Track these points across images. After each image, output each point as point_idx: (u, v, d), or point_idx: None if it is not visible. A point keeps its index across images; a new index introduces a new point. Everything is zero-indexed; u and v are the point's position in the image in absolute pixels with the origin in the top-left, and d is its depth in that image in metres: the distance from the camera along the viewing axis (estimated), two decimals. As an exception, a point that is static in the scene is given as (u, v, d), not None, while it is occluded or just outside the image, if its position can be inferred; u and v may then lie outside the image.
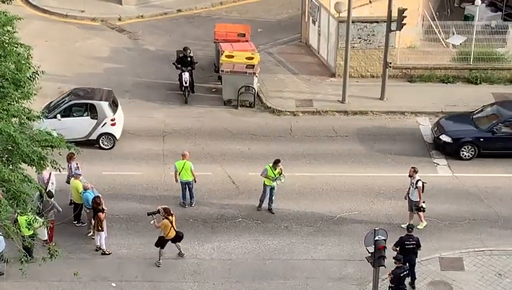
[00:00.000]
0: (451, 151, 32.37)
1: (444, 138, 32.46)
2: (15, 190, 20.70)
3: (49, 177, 27.69)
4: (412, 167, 28.38)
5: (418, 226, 27.99)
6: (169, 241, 26.90)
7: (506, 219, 29.22)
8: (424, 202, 28.13)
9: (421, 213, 28.31)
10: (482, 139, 32.15)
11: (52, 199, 26.98)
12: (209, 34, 39.36)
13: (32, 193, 21.96)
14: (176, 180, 29.23)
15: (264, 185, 29.06)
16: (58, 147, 22.02)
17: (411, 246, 25.53)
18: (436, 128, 33.15)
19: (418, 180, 27.96)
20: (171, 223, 26.56)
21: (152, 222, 26.76)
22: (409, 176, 28.23)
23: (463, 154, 32.22)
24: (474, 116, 33.20)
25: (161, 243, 26.87)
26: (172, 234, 26.73)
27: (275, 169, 28.82)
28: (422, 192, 28.03)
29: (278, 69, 38.63)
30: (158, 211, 26.67)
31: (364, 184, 30.83)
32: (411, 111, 35.38)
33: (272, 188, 29.08)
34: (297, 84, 37.42)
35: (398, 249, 25.25)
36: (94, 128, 32.34)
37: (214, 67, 37.93)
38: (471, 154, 32.28)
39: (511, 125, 32.33)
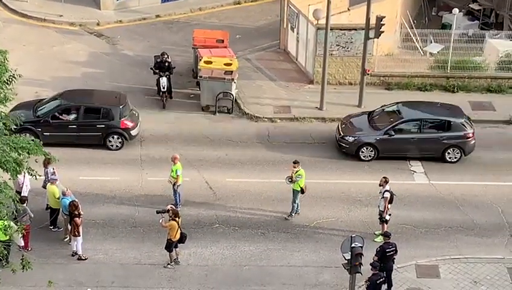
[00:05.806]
0: None
1: None
2: (-11, 196, 20.53)
3: (24, 179, 27.51)
4: (383, 177, 28.19)
5: (375, 239, 27.93)
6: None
7: (481, 226, 29.37)
8: (390, 215, 27.99)
9: (384, 224, 28.00)
10: None
11: (25, 204, 26.80)
12: (187, 40, 39.34)
13: (7, 199, 21.75)
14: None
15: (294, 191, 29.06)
16: (34, 154, 21.83)
17: (391, 252, 25.60)
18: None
19: (385, 191, 27.75)
20: (178, 224, 26.52)
21: (160, 220, 26.63)
22: (380, 185, 28.15)
23: None
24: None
25: (169, 246, 26.76)
26: (178, 236, 26.64)
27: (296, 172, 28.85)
28: (390, 203, 27.80)
29: (256, 75, 38.64)
30: (167, 211, 26.56)
31: (341, 191, 30.90)
32: (388, 118, 35.47)
33: (298, 192, 29.02)
34: (276, 91, 37.45)
35: (378, 257, 25.24)
36: None
37: (192, 73, 37.91)
38: None
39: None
